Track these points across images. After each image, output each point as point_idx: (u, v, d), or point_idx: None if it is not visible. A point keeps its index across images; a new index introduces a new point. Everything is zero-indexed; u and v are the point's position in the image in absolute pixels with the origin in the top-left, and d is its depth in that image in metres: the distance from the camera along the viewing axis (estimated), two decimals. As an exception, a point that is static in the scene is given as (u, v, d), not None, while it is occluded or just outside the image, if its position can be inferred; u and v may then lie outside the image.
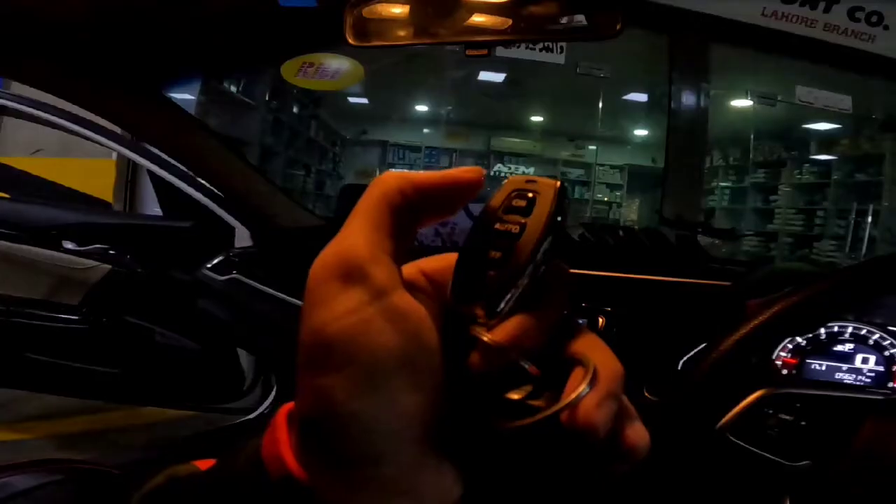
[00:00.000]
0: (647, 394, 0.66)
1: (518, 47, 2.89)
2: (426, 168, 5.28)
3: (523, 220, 0.19)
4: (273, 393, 1.33)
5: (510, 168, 5.44)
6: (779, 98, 2.74)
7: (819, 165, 3.98)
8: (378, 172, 5.09)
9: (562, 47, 2.95)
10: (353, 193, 1.17)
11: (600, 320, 0.67)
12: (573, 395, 0.17)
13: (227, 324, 1.11)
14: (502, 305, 0.18)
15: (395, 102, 4.73)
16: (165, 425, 1.59)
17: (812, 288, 0.47)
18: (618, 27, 0.52)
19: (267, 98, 3.00)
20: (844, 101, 2.44)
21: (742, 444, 0.49)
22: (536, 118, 5.20)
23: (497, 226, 0.20)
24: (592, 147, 5.15)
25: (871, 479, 0.46)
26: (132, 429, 1.60)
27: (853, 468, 0.46)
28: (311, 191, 3.99)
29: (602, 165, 5.29)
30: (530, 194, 0.20)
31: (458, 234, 1.07)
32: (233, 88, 2.85)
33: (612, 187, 5.31)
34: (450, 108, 4.75)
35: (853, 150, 3.54)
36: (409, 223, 0.20)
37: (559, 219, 0.19)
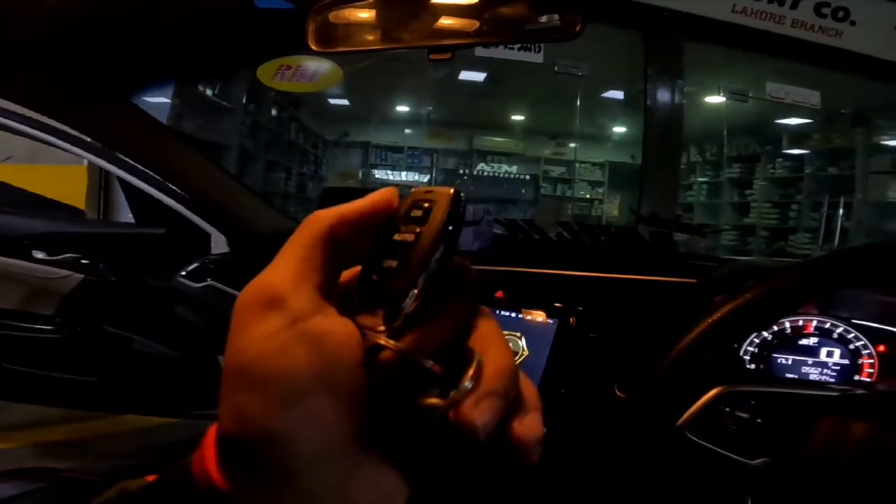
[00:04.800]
0: (617, 391, 0.67)
1: (497, 47, 2.90)
2: (409, 168, 5.28)
3: (419, 230, 0.20)
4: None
5: (493, 167, 5.45)
6: (750, 94, 2.79)
7: (792, 160, 4.07)
8: (361, 174, 5.12)
9: (539, 47, 2.97)
10: (333, 196, 1.18)
11: (571, 319, 0.67)
12: (453, 394, 0.18)
13: (203, 330, 1.10)
14: (401, 312, 0.19)
15: (377, 103, 4.71)
16: (150, 433, 1.57)
17: (769, 283, 0.47)
18: (578, 28, 0.53)
19: (244, 101, 2.96)
20: (813, 97, 2.49)
21: (701, 442, 0.49)
22: (518, 117, 5.21)
23: (395, 236, 0.21)
24: (574, 145, 5.20)
25: (827, 476, 0.46)
26: (116, 437, 1.58)
27: (810, 465, 0.46)
28: (292, 193, 3.95)
29: (583, 163, 5.33)
30: (426, 204, 0.21)
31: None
32: (208, 91, 2.81)
33: (594, 184, 5.36)
34: (432, 108, 4.75)
35: (824, 145, 3.63)
36: (342, 255, 0.21)
37: (451, 227, 0.20)
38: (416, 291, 0.19)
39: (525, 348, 0.66)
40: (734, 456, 0.48)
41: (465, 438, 0.18)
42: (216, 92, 2.84)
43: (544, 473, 0.61)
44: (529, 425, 0.20)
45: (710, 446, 0.49)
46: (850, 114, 3.23)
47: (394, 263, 0.20)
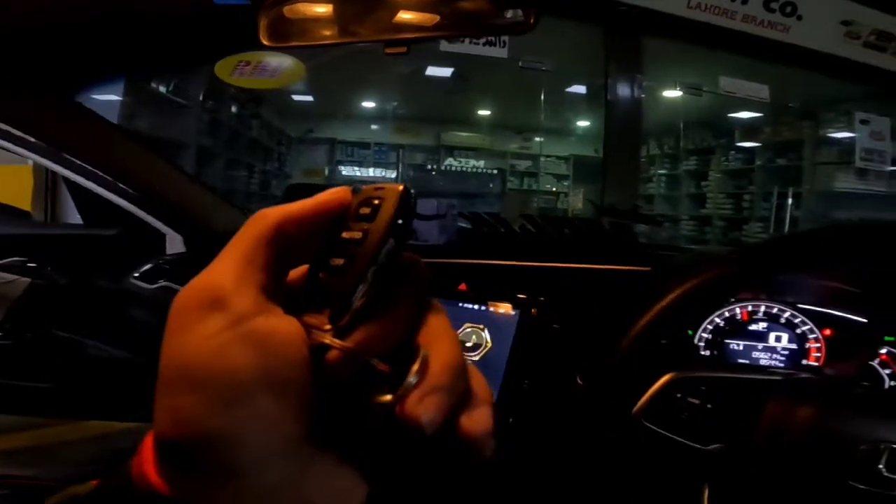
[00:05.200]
0: (578, 380, 0.68)
1: (462, 42, 2.90)
2: (376, 164, 5.24)
3: (367, 227, 0.20)
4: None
5: (460, 162, 5.48)
6: (704, 89, 2.87)
7: (744, 152, 4.23)
8: (327, 171, 5.05)
9: (504, 41, 2.98)
10: (297, 192, 1.15)
11: (533, 310, 0.68)
12: (399, 391, 0.18)
13: (159, 333, 1.07)
14: (347, 310, 0.19)
15: (343, 99, 4.65)
16: (111, 438, 1.52)
17: (714, 269, 0.48)
18: (533, 21, 0.53)
19: (202, 98, 2.87)
20: (763, 91, 2.59)
21: (656, 429, 0.50)
22: (485, 112, 5.24)
23: (344, 234, 0.21)
24: (540, 139, 5.26)
25: (773, 460, 0.47)
26: (77, 443, 1.52)
27: (759, 451, 0.47)
28: (255, 191, 3.87)
29: (548, 157, 5.41)
30: (376, 201, 0.21)
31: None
32: (162, 89, 2.72)
33: (559, 178, 5.45)
34: (398, 104, 4.72)
35: (774, 138, 3.79)
36: (290, 254, 0.21)
37: (399, 223, 0.20)
38: (362, 288, 0.19)
39: (489, 340, 0.67)
40: (689, 442, 0.49)
41: (411, 434, 0.18)
42: (171, 89, 2.75)
43: (507, 466, 0.62)
44: (478, 420, 0.20)
45: (665, 433, 0.49)
46: (798, 107, 3.38)
47: (341, 261, 0.20)
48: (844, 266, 0.74)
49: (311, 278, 0.21)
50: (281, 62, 2.44)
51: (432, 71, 4.01)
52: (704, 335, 0.84)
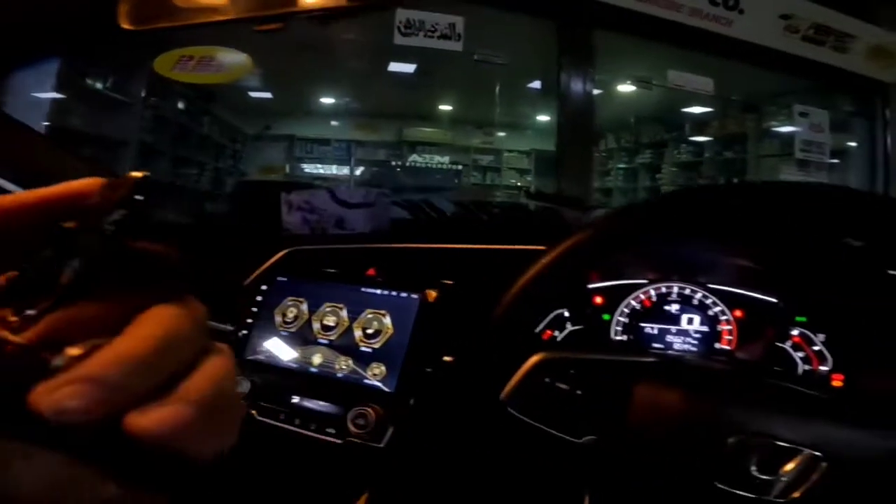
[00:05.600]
0: (446, 359, 0.65)
1: (416, 35, 2.86)
2: (336, 161, 5.17)
3: (85, 216, 0.19)
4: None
5: (424, 158, 5.45)
6: (654, 82, 2.91)
7: (694, 145, 4.34)
8: (287, 168, 4.95)
9: (459, 34, 2.96)
10: (247, 189, 1.12)
11: (433, 294, 0.66)
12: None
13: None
14: (38, 301, 0.18)
15: (303, 96, 4.56)
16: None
17: (584, 232, 0.44)
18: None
19: (144, 94, 2.76)
20: (708, 84, 2.63)
21: (522, 417, 0.45)
22: (446, 107, 5.22)
23: (64, 224, 0.20)
24: (502, 134, 5.28)
25: (643, 456, 0.43)
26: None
27: (628, 445, 0.43)
28: (208, 190, 3.75)
29: (511, 151, 5.44)
30: (111, 191, 0.20)
31: (326, 221, 1.03)
32: (99, 85, 2.60)
33: (521, 172, 5.48)
34: (359, 100, 4.65)
35: (722, 131, 3.89)
36: (7, 247, 0.20)
37: (122, 212, 0.19)
38: (64, 279, 0.18)
39: (390, 326, 0.64)
40: (559, 434, 0.44)
41: (51, 425, 0.16)
42: (109, 85, 2.63)
43: (401, 453, 0.60)
44: (154, 418, 0.17)
45: (533, 422, 0.45)
46: (742, 101, 3.47)
47: (50, 252, 0.19)
48: (748, 239, 0.72)
49: (23, 270, 0.20)
50: (227, 57, 2.36)
51: (395, 67, 3.96)
52: (621, 319, 0.82)
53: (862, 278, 0.67)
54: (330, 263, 0.79)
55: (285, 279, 0.72)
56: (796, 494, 0.38)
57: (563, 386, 0.45)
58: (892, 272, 0.66)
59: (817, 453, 0.39)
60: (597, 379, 0.45)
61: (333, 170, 5.26)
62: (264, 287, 0.72)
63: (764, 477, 0.39)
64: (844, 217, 0.39)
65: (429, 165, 5.39)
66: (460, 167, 5.41)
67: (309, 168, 5.23)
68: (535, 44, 3.20)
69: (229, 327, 0.71)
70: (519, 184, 5.46)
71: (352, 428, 0.59)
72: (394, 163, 5.44)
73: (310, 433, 0.63)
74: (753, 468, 0.39)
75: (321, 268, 0.75)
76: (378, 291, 0.68)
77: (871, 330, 0.71)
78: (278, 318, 0.69)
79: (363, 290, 0.68)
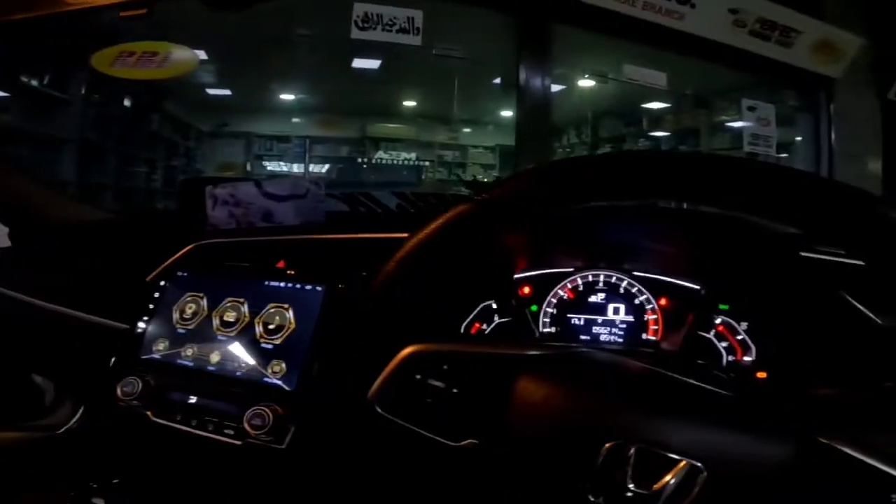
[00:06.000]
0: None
1: (374, 29, 2.81)
2: (298, 158, 5.08)
3: None
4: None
5: (389, 154, 5.40)
6: (610, 76, 2.93)
7: (651, 140, 4.41)
8: (249, 165, 4.83)
9: (418, 28, 2.92)
10: (191, 188, 1.06)
11: (340, 286, 0.62)
12: None
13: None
14: None
15: (263, 92, 4.44)
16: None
17: (470, 202, 0.41)
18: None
19: (85, 91, 2.64)
20: (661, 79, 2.66)
21: (392, 418, 0.41)
22: (410, 103, 5.18)
23: None
24: (468, 129, 5.27)
25: (527, 457, 0.38)
26: None
27: (510, 445, 0.38)
28: (158, 188, 3.62)
29: (476, 147, 5.44)
30: None
31: (253, 215, 0.98)
32: (34, 83, 2.48)
33: (486, 167, 5.48)
34: (321, 95, 4.57)
35: (676, 125, 3.97)
36: None
37: None
38: None
39: (292, 321, 0.61)
40: (434, 437, 0.40)
41: None
42: (46, 82, 2.51)
43: (299, 453, 0.56)
44: None
45: (405, 424, 0.40)
46: (694, 96, 3.54)
47: None
48: (666, 222, 0.70)
49: None
50: (171, 52, 2.28)
51: (359, 63, 3.90)
52: (549, 310, 0.80)
53: (775, 262, 0.67)
54: (242, 257, 0.75)
55: (185, 274, 0.68)
56: None
57: (436, 383, 0.40)
58: (805, 254, 0.66)
59: (697, 463, 0.34)
60: (474, 375, 0.41)
61: (295, 167, 5.16)
62: (163, 283, 0.68)
63: (640, 491, 0.34)
64: (737, 188, 0.36)
65: (394, 162, 5.34)
66: (427, 163, 5.38)
67: (271, 166, 5.12)
68: (495, 39, 3.19)
69: (124, 325, 0.66)
70: (486, 180, 5.47)
71: (248, 429, 0.55)
72: (360, 160, 5.38)
73: (207, 434, 0.59)
74: (629, 481, 0.35)
75: (231, 262, 0.71)
76: (282, 284, 0.64)
77: (788, 316, 0.70)
78: (176, 315, 0.65)
79: (267, 283, 0.64)
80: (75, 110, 2.61)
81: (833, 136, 2.96)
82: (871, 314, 0.62)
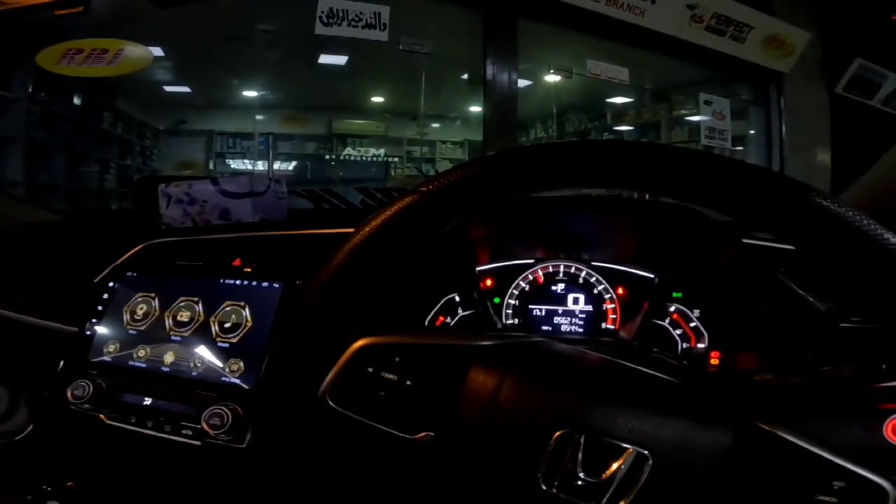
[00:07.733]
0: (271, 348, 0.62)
1: (339, 25, 2.77)
2: (262, 155, 4.97)
3: None
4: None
5: (358, 151, 5.34)
6: (574, 71, 2.97)
7: (615, 133, 4.49)
8: (211, 164, 4.69)
9: (384, 24, 2.89)
10: (146, 186, 1.02)
11: (298, 282, 0.61)
12: None
13: None
14: None
15: (225, 89, 4.32)
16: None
17: (413, 194, 0.40)
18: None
19: (31, 89, 2.53)
20: (623, 74, 2.71)
21: (343, 411, 0.40)
22: (378, 99, 5.13)
23: None
24: (436, 125, 5.26)
25: (480, 449, 0.38)
26: None
27: (464, 437, 0.38)
28: (112, 188, 3.48)
29: (444, 142, 5.43)
30: None
31: (209, 213, 0.96)
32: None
33: (455, 162, 5.47)
34: (285, 92, 4.48)
35: (638, 119, 4.07)
36: None
37: None
38: None
39: (249, 318, 0.60)
40: (390, 430, 0.40)
41: None
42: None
43: (257, 454, 0.56)
44: None
45: (359, 418, 0.40)
46: (654, 90, 3.64)
47: None
48: (632, 215, 0.71)
49: None
50: (123, 49, 2.20)
51: (325, 59, 3.84)
52: (511, 302, 0.81)
53: (720, 248, 0.69)
54: (197, 256, 0.73)
55: (135, 274, 0.66)
56: (623, 503, 0.34)
57: (389, 376, 0.40)
58: (747, 241, 0.69)
59: (643, 450, 0.35)
60: (427, 367, 0.41)
61: (260, 165, 5.05)
62: (112, 284, 0.65)
63: (590, 479, 0.35)
64: (669, 176, 0.36)
65: (362, 158, 5.29)
66: (395, 159, 5.34)
67: (235, 163, 4.99)
68: (462, 34, 3.19)
69: (73, 328, 0.64)
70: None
71: (207, 429, 0.54)
72: (327, 157, 5.31)
73: (165, 435, 0.57)
74: (580, 469, 0.35)
75: (182, 261, 0.69)
76: (237, 282, 0.62)
77: (736, 302, 0.73)
78: (126, 316, 0.63)
79: (222, 281, 0.63)
80: (20, 108, 2.49)
81: (784, 128, 3.07)
82: (812, 300, 0.64)
